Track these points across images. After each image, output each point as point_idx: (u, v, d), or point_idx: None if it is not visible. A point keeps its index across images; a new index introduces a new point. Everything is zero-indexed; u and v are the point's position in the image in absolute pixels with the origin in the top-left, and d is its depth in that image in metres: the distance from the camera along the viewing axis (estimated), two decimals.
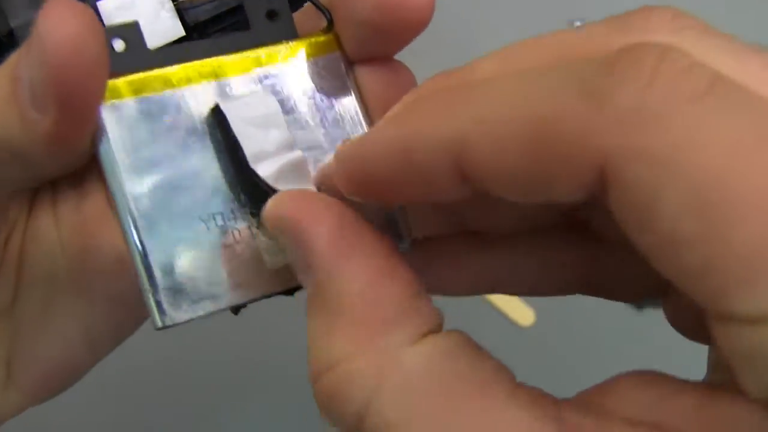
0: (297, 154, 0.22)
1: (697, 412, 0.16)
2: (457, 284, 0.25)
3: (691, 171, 0.15)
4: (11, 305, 0.26)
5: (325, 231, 0.19)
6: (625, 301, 0.25)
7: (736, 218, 0.14)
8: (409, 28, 0.23)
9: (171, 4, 0.24)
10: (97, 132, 0.21)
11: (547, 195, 0.17)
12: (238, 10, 0.24)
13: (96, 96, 0.20)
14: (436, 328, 0.19)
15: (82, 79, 0.19)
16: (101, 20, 0.24)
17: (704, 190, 0.14)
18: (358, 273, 0.19)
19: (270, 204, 0.20)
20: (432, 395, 0.17)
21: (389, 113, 0.21)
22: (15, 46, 0.25)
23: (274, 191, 0.21)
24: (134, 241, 0.21)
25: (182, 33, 0.24)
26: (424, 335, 0.18)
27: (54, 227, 0.26)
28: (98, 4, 0.24)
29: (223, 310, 0.22)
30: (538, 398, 0.17)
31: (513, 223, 0.24)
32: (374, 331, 0.18)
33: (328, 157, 0.23)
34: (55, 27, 0.19)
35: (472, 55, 0.22)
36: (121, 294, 0.26)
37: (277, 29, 0.24)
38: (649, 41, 0.16)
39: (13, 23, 0.25)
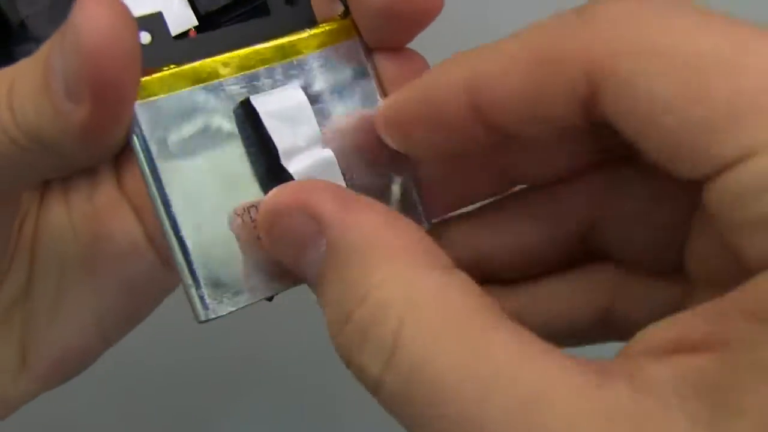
0: (327, 152, 0.23)
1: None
2: None
3: (670, 51, 0.17)
4: (25, 292, 0.26)
5: (329, 194, 0.20)
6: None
7: (716, 74, 0.17)
8: (422, 17, 0.23)
9: None
10: (131, 128, 0.21)
11: (548, 113, 0.19)
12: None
13: (130, 88, 0.20)
14: (449, 264, 0.20)
15: (117, 70, 0.19)
16: None
17: (685, 63, 0.17)
18: (370, 218, 0.20)
19: (266, 199, 0.21)
20: (456, 325, 0.18)
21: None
22: (26, 36, 0.25)
23: None
24: (174, 237, 0.21)
25: (195, 23, 0.24)
26: (441, 269, 0.19)
27: (66, 215, 0.26)
28: None
29: (261, 300, 0.22)
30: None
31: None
32: (398, 263, 0.19)
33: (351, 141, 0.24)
34: (91, 18, 0.19)
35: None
36: (133, 281, 0.27)
37: (296, 14, 0.24)
38: None
39: (24, 13, 0.25)
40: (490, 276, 0.25)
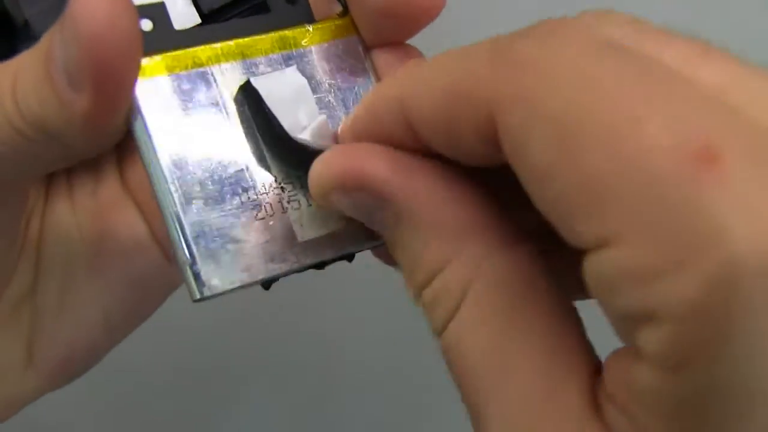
0: (320, 117, 0.23)
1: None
2: None
3: (553, 107, 0.16)
4: (31, 290, 0.27)
5: (382, 163, 0.19)
6: None
7: (583, 148, 0.15)
8: (422, 16, 0.23)
9: None
10: (131, 109, 0.22)
11: (461, 146, 0.19)
12: None
13: (131, 74, 0.20)
14: (510, 238, 0.19)
15: (117, 56, 0.19)
16: None
17: (562, 124, 0.16)
18: (429, 185, 0.19)
19: (319, 166, 0.20)
20: (499, 314, 0.18)
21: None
22: (30, 35, 0.26)
23: (320, 151, 0.22)
24: (171, 214, 0.22)
25: (198, 20, 0.24)
26: (499, 248, 0.19)
27: (71, 212, 0.27)
28: None
29: (258, 282, 0.22)
30: None
31: None
32: (466, 240, 0.19)
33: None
34: (89, 5, 0.19)
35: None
36: (139, 277, 0.27)
37: (296, 12, 0.25)
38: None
39: (28, 12, 0.25)
40: None
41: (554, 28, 0.18)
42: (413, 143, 0.20)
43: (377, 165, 0.19)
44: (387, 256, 0.22)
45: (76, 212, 0.27)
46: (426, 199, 0.19)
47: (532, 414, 0.17)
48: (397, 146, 0.20)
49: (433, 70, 0.20)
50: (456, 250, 0.19)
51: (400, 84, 0.20)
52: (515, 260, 0.19)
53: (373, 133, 0.21)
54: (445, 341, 0.19)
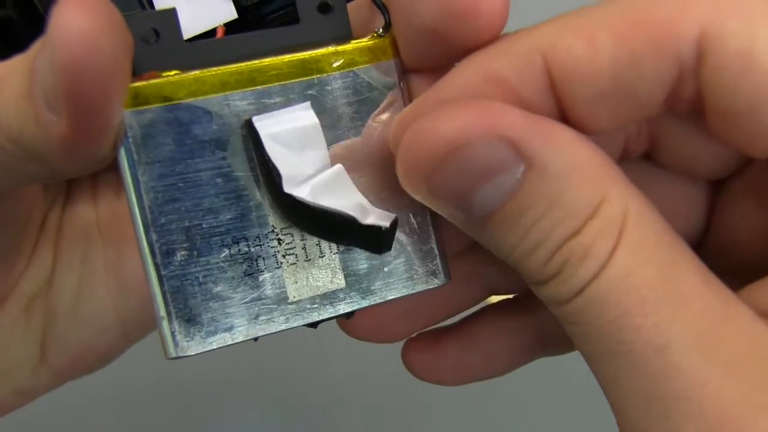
0: (336, 167, 0.21)
1: None
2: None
3: None
4: (47, 287, 0.26)
5: (520, 115, 0.18)
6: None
7: None
8: (478, 39, 0.20)
9: None
10: (119, 138, 0.19)
11: (637, 84, 0.18)
12: None
13: (112, 101, 0.18)
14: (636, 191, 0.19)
15: (95, 83, 0.17)
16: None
17: None
18: (571, 137, 0.18)
19: (439, 128, 0.18)
20: (662, 246, 0.18)
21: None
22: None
23: (319, 208, 0.20)
24: (149, 263, 0.20)
25: (234, 15, 0.23)
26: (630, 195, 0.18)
27: (93, 210, 0.26)
28: None
29: (239, 343, 0.20)
30: None
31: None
32: (619, 181, 0.18)
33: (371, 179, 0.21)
34: (68, 24, 0.17)
35: None
36: None
37: (329, 24, 0.22)
38: None
39: None
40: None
41: None
42: (544, 107, 0.19)
43: (511, 112, 0.18)
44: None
45: (97, 211, 0.26)
46: (571, 141, 0.18)
47: (717, 329, 0.17)
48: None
49: (585, 12, 0.18)
50: (608, 187, 0.18)
51: (539, 32, 0.18)
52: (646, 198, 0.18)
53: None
54: (607, 280, 0.17)
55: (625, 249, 0.17)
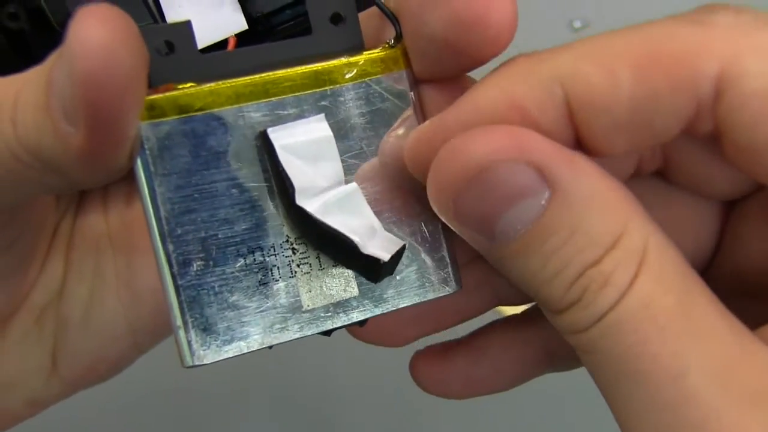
0: (351, 185, 0.21)
1: None
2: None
3: None
4: (58, 297, 0.26)
5: (548, 143, 0.18)
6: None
7: None
8: (488, 49, 0.20)
9: None
10: (135, 150, 0.20)
11: (655, 118, 0.18)
12: (302, 1, 0.23)
13: (129, 113, 0.18)
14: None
15: (113, 93, 0.18)
16: (159, 7, 0.23)
17: None
18: (595, 169, 0.18)
19: (471, 149, 0.18)
20: (681, 276, 0.18)
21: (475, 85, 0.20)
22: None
23: (326, 226, 0.20)
24: (166, 273, 0.20)
25: (245, 26, 0.24)
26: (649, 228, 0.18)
27: (103, 221, 0.26)
28: None
29: (254, 351, 0.20)
30: None
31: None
32: (638, 213, 0.18)
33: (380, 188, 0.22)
34: (86, 37, 0.17)
35: None
36: None
37: (342, 35, 0.22)
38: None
39: (72, 9, 0.24)
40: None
41: (722, 5, 0.18)
42: (561, 134, 0.19)
43: (539, 139, 0.18)
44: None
45: (108, 222, 0.26)
46: (593, 172, 0.18)
47: (735, 362, 0.17)
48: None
49: (606, 40, 0.18)
50: (629, 219, 0.18)
51: (558, 61, 0.18)
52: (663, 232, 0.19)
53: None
54: (626, 309, 0.18)
55: (644, 279, 0.17)
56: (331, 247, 0.21)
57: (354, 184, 0.21)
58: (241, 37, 0.23)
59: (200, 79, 0.20)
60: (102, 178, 0.20)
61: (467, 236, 0.19)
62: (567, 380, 0.52)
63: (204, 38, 0.23)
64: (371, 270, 0.21)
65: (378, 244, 0.21)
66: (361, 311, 0.21)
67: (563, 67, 0.18)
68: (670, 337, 0.17)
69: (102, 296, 0.26)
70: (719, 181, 0.22)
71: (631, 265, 0.17)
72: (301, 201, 0.20)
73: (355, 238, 0.20)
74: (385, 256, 0.20)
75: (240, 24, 0.23)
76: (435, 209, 0.19)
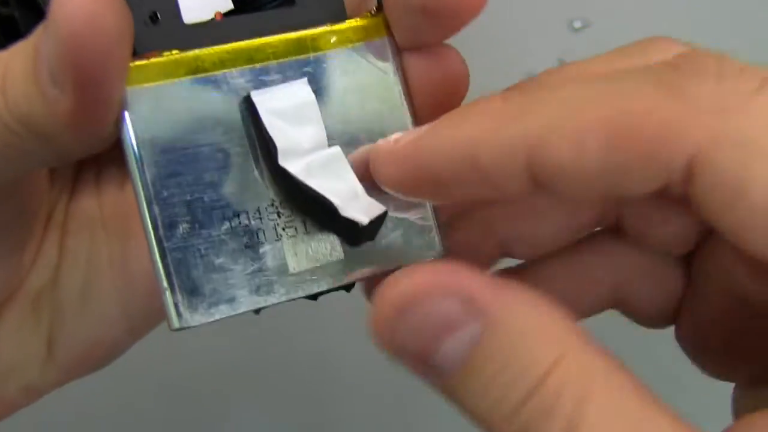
0: (334, 149, 0.21)
1: None
2: None
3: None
4: (53, 284, 0.26)
5: (475, 276, 0.18)
6: (646, 322, 0.25)
7: None
8: (463, 15, 0.21)
9: None
10: (120, 116, 0.20)
11: (623, 188, 0.18)
12: None
13: (115, 75, 0.19)
14: (601, 347, 0.18)
15: (98, 55, 0.18)
16: None
17: None
18: (526, 299, 0.18)
19: (396, 285, 0.18)
20: (625, 408, 0.17)
21: (446, 115, 0.20)
22: None
23: (307, 188, 0.20)
24: (152, 236, 0.20)
25: (230, 5, 0.24)
26: (601, 352, 0.18)
27: (97, 206, 0.26)
28: None
29: (241, 314, 0.20)
30: None
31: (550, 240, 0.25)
32: (567, 345, 0.18)
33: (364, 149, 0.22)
34: (69, 0, 0.18)
35: (469, 51, 0.22)
36: None
37: (324, 6, 0.22)
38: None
39: None
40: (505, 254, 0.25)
41: (702, 58, 0.18)
42: (521, 191, 0.19)
43: (468, 273, 0.18)
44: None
45: (102, 206, 0.26)
46: (526, 302, 0.18)
47: None
48: (494, 194, 0.19)
49: (576, 106, 0.18)
50: (567, 346, 0.17)
51: (526, 125, 0.18)
52: (617, 364, 0.18)
53: (466, 179, 0.19)
54: None
55: (593, 407, 0.17)
56: (313, 209, 0.21)
57: (337, 148, 0.21)
58: (228, 16, 0.23)
59: (185, 48, 0.20)
60: (91, 146, 0.21)
61: (413, 371, 0.19)
62: None
63: (190, 17, 0.23)
64: (350, 233, 0.21)
65: (358, 207, 0.21)
66: (347, 274, 0.21)
67: (531, 136, 0.18)
68: None
69: (96, 281, 0.26)
70: (670, 234, 0.23)
71: (574, 393, 0.17)
72: (284, 162, 0.20)
73: (336, 201, 0.20)
74: (364, 219, 0.20)
75: (227, 3, 0.24)
76: (379, 345, 0.19)
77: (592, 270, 0.25)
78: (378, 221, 0.21)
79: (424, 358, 0.18)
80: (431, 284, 0.17)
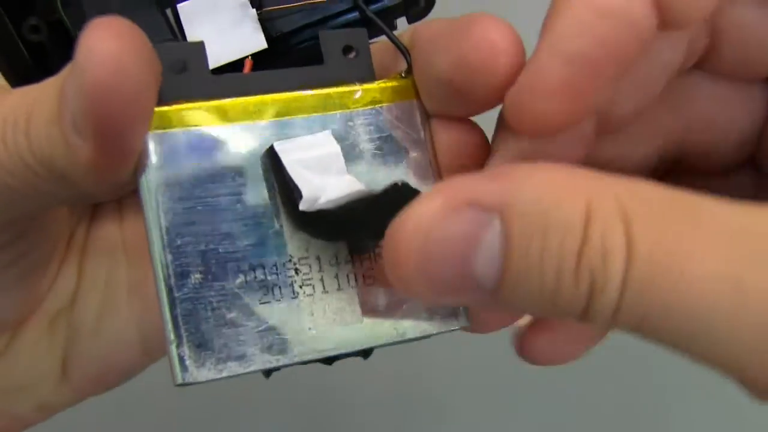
0: (348, 177, 0.21)
1: None
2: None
3: None
4: (71, 305, 0.26)
5: (472, 179, 0.17)
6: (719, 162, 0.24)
7: None
8: (493, 95, 0.20)
9: (254, 13, 0.23)
10: (140, 160, 0.20)
11: None
12: (323, 21, 0.23)
13: (138, 125, 0.19)
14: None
15: (121, 107, 0.18)
16: (179, 23, 0.23)
17: None
18: (530, 171, 0.17)
19: (407, 224, 0.17)
20: (668, 206, 0.17)
21: None
22: None
23: (336, 207, 0.20)
24: (163, 285, 0.19)
25: (264, 45, 0.23)
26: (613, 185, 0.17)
27: (118, 230, 0.26)
28: (179, 6, 0.23)
29: (250, 373, 0.20)
30: None
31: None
32: (587, 186, 0.17)
33: None
34: (94, 47, 0.17)
35: None
36: None
37: (353, 66, 0.22)
38: None
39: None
40: None
41: None
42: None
43: (464, 179, 0.17)
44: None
45: (123, 231, 0.26)
46: (532, 173, 0.17)
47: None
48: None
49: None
50: (590, 189, 0.17)
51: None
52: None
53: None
54: (642, 265, 0.16)
55: (639, 230, 0.16)
56: (342, 226, 0.20)
57: (352, 177, 0.21)
58: (260, 56, 0.23)
59: (211, 98, 0.20)
60: (111, 190, 0.21)
61: (461, 302, 0.18)
62: (567, 383, 0.52)
63: (222, 56, 0.23)
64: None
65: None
66: (366, 340, 0.21)
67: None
68: (687, 248, 0.16)
69: (114, 304, 0.26)
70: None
71: (617, 225, 0.16)
72: (304, 208, 0.20)
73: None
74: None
75: (259, 43, 0.23)
76: (414, 295, 0.18)
77: (663, 111, 0.23)
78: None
79: (467, 285, 0.17)
80: (432, 211, 0.17)
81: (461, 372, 0.53)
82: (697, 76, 0.23)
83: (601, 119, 0.22)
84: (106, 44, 0.17)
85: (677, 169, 0.24)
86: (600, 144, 0.23)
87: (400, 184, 0.19)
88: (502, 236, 0.17)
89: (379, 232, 0.18)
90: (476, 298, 0.18)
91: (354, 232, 0.21)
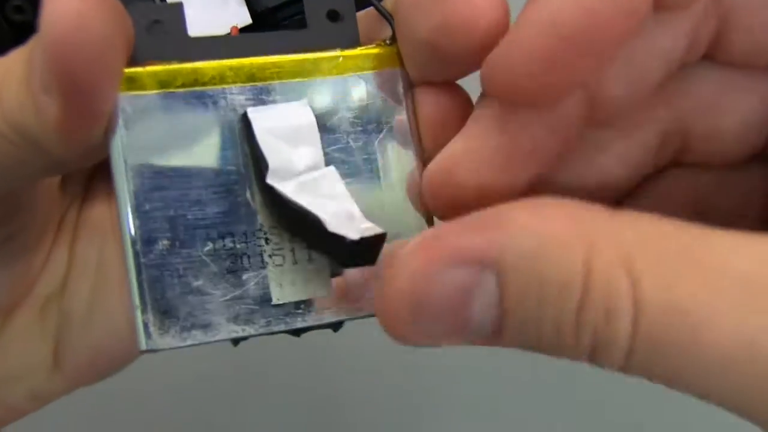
0: (328, 168, 0.20)
1: None
2: None
3: None
4: (61, 290, 0.26)
5: (459, 230, 0.17)
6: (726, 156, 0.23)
7: None
8: (475, 55, 0.20)
9: None
10: (110, 123, 0.19)
11: None
12: None
13: (105, 83, 0.18)
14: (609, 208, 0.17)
15: (85, 63, 0.17)
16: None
17: None
18: (526, 220, 0.17)
19: (393, 289, 0.17)
20: (674, 246, 0.16)
21: None
22: None
23: (293, 203, 0.19)
24: (129, 250, 0.19)
25: (249, 21, 0.23)
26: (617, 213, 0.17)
27: (108, 214, 0.26)
28: None
29: (215, 342, 0.19)
30: None
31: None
32: (588, 228, 0.16)
33: (362, 186, 0.21)
34: (58, 5, 0.17)
35: None
36: None
37: (338, 32, 0.21)
38: None
39: None
40: None
41: None
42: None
43: (451, 238, 0.17)
44: None
45: (113, 214, 0.26)
46: (526, 221, 0.17)
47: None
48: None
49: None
50: (590, 236, 0.16)
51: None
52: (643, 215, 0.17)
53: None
54: (650, 318, 0.16)
55: (647, 286, 0.16)
56: (301, 228, 0.20)
57: (332, 168, 0.20)
58: (246, 32, 0.23)
59: (186, 60, 0.20)
60: (85, 155, 0.20)
61: (471, 344, 0.18)
62: (567, 381, 0.51)
63: (207, 29, 0.23)
64: (338, 251, 0.19)
65: (351, 226, 0.19)
66: (335, 313, 0.20)
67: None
68: (701, 301, 0.16)
69: (105, 289, 0.26)
70: None
71: (622, 280, 0.16)
72: (273, 181, 0.19)
73: (323, 216, 0.19)
74: (354, 236, 0.19)
75: (244, 18, 0.23)
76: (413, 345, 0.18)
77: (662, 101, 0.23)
78: (375, 242, 0.19)
79: (466, 334, 0.17)
80: (422, 269, 0.17)
81: (461, 372, 0.53)
82: (701, 66, 0.22)
83: (591, 104, 0.21)
84: (69, 1, 0.17)
85: (682, 161, 0.24)
86: (594, 134, 0.22)
87: (347, 240, 0.19)
88: (497, 291, 0.16)
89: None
90: (477, 342, 0.17)
91: (298, 235, 0.20)
